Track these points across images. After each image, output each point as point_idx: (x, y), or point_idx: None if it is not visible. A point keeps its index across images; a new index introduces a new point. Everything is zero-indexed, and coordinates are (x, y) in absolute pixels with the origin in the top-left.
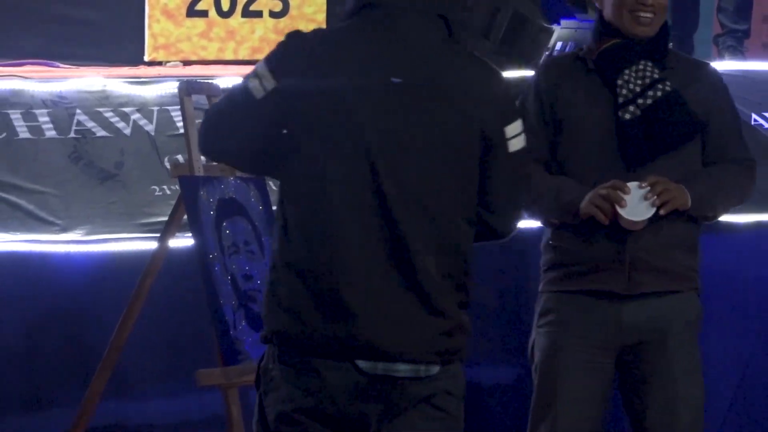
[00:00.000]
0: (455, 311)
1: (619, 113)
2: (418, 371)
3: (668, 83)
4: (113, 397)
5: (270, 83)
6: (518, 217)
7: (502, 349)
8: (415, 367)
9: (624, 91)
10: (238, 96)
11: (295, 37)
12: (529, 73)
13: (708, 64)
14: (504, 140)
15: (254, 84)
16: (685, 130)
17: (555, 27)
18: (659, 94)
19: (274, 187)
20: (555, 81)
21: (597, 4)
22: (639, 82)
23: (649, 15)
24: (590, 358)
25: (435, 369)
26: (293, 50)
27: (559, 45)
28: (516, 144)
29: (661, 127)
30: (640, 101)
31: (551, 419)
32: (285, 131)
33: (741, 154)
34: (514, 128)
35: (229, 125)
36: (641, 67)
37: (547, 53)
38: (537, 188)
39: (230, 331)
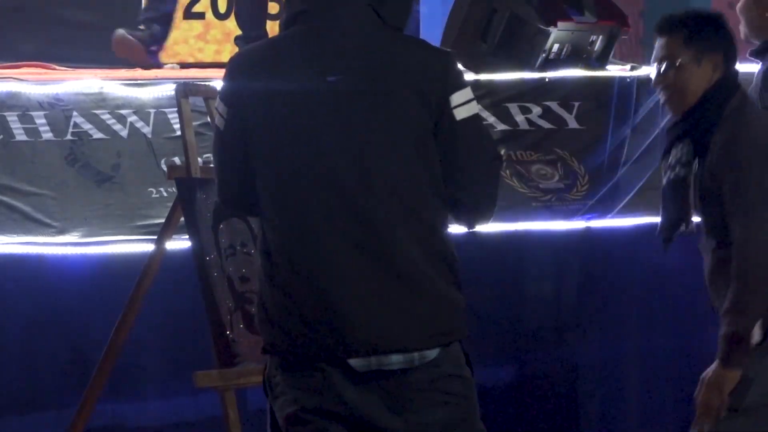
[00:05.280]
0: (444, 290)
1: None
2: (411, 360)
3: (678, 170)
4: (111, 398)
5: (224, 110)
6: (487, 192)
7: (500, 352)
8: (408, 356)
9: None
10: (215, 140)
11: (233, 59)
12: (528, 75)
13: (726, 127)
14: (449, 108)
15: (217, 120)
16: (661, 229)
17: (551, 29)
18: (664, 182)
19: None
20: None
21: None
22: (669, 166)
23: (663, 95)
24: None
25: (432, 354)
26: (233, 73)
27: (555, 47)
28: (464, 112)
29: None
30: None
31: None
32: (249, 149)
33: (737, 235)
34: (460, 96)
35: (224, 170)
36: (680, 148)
37: (543, 56)
38: None
39: (227, 332)
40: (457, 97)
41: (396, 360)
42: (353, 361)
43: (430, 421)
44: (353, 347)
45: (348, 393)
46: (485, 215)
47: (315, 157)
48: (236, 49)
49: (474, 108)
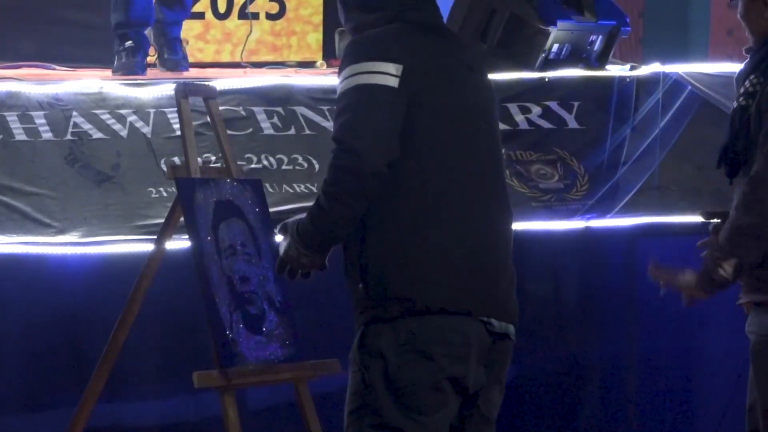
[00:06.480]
0: None
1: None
2: (515, 335)
3: (742, 99)
4: (110, 398)
5: (396, 68)
6: None
7: None
8: (514, 330)
9: (733, 106)
10: (374, 101)
11: (373, 33)
12: (528, 75)
13: None
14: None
15: (380, 78)
16: (721, 154)
17: (551, 29)
18: (730, 112)
19: (270, 189)
20: None
21: None
22: (738, 95)
23: (747, 32)
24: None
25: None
26: (389, 39)
27: (555, 47)
28: None
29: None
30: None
31: None
32: (416, 109)
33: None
34: None
35: (383, 127)
36: (750, 78)
37: (543, 56)
38: None
39: (227, 333)
40: None
41: (512, 331)
42: (495, 321)
43: (494, 401)
44: (498, 308)
45: (481, 360)
46: None
47: (473, 126)
48: (235, 50)
49: None
